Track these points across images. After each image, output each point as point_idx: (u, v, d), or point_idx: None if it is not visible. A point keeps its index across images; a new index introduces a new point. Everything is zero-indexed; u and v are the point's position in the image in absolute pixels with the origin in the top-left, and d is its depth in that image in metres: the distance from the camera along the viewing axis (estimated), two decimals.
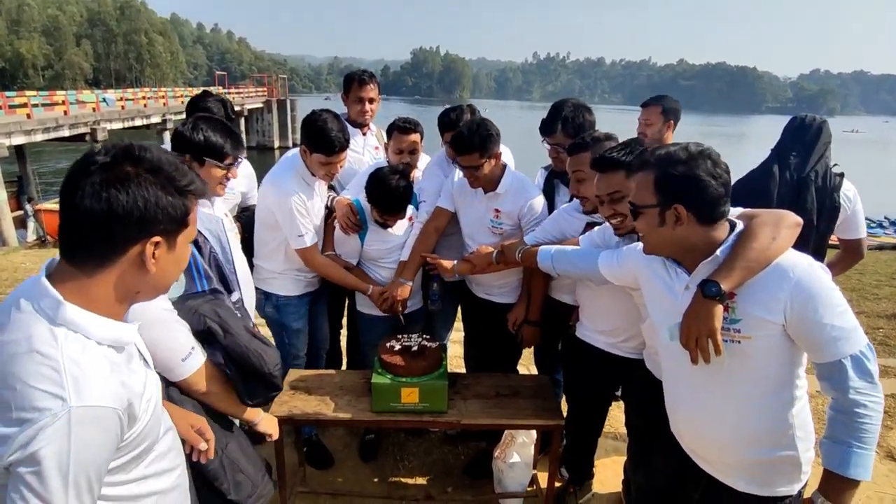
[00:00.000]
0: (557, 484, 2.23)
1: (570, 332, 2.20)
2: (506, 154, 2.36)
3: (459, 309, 2.82)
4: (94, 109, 18.52)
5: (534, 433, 2.34)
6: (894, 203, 18.62)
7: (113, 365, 0.88)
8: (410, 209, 2.49)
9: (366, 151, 2.83)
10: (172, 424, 1.12)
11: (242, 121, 29.29)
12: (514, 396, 2.15)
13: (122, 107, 20.67)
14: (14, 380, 0.79)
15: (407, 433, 2.81)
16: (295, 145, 2.54)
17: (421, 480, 2.56)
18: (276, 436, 1.75)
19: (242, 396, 1.51)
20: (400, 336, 2.19)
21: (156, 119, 22.09)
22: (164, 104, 23.57)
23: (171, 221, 0.91)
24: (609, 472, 2.54)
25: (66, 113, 16.65)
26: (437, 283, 2.51)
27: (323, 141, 2.17)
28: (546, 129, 2.35)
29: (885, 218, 16.66)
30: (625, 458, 2.27)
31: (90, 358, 0.85)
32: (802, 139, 2.26)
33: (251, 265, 2.27)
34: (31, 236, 13.65)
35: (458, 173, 2.37)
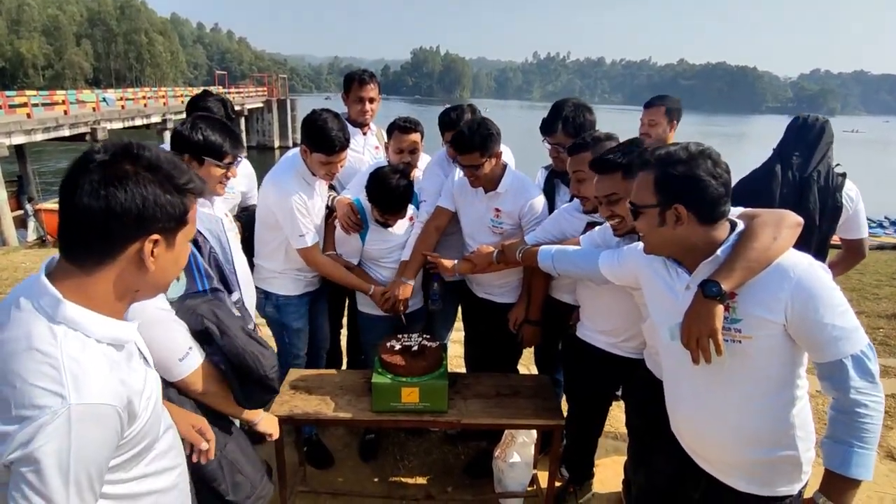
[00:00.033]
0: (558, 484, 2.23)
1: (571, 332, 2.20)
2: (506, 154, 2.36)
3: (460, 309, 2.82)
4: (94, 109, 18.52)
5: (534, 433, 2.34)
6: (894, 203, 18.61)
7: (112, 363, 0.88)
8: (411, 209, 2.49)
9: (366, 151, 2.83)
10: (173, 423, 1.12)
11: (243, 120, 29.27)
12: (514, 396, 2.15)
13: (123, 106, 20.66)
14: (14, 377, 0.79)
15: (407, 433, 2.81)
16: (295, 145, 2.53)
17: (421, 480, 2.56)
18: (276, 435, 1.75)
19: (239, 399, 1.50)
20: (400, 336, 2.19)
21: (156, 119, 22.08)
22: (165, 104, 23.56)
23: (170, 219, 0.91)
24: (609, 472, 2.54)
25: (66, 112, 16.64)
26: (437, 282, 2.50)
27: (323, 140, 2.17)
28: (547, 128, 2.35)
29: (886, 218, 16.66)
30: (625, 457, 2.27)
31: (89, 356, 0.85)
32: (805, 139, 2.25)
33: (251, 265, 2.27)
34: (31, 236, 13.65)
35: (459, 173, 2.37)
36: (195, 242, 1.61)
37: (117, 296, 0.91)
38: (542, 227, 2.18)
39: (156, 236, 0.90)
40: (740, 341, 1.28)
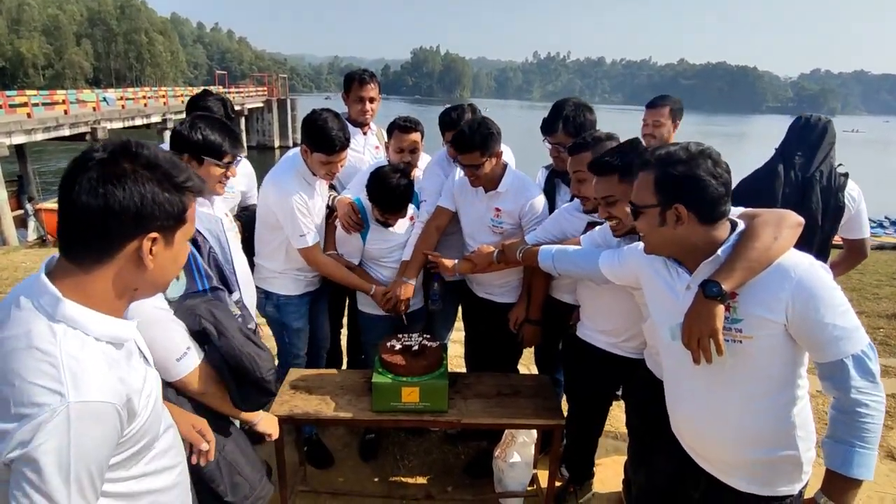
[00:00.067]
0: (558, 483, 2.23)
1: (571, 332, 2.20)
2: (506, 153, 2.36)
3: (460, 308, 2.82)
4: (94, 109, 18.52)
5: (534, 433, 2.34)
6: (895, 203, 18.60)
7: (111, 361, 0.88)
8: (412, 208, 2.48)
9: (366, 151, 2.83)
10: (173, 422, 1.12)
11: (243, 120, 29.25)
12: (514, 396, 2.14)
13: (123, 106, 20.66)
14: (13, 376, 0.79)
15: (407, 432, 2.81)
16: (295, 145, 2.53)
17: (421, 480, 2.55)
18: (275, 435, 1.75)
19: (235, 401, 1.50)
20: (400, 335, 2.19)
21: (156, 118, 22.08)
22: (165, 103, 23.57)
23: (169, 217, 0.91)
24: (609, 472, 2.54)
25: (66, 112, 16.64)
26: (437, 282, 2.50)
27: (323, 140, 2.17)
28: (547, 128, 2.34)
29: (886, 217, 16.64)
30: (625, 457, 2.27)
31: (89, 354, 0.85)
32: (807, 139, 2.25)
33: (252, 264, 2.26)
34: (31, 235, 13.65)
35: (459, 172, 2.36)
36: (194, 242, 1.61)
37: (116, 294, 0.91)
38: (542, 226, 2.17)
39: (154, 234, 0.90)
40: (741, 341, 1.28)
